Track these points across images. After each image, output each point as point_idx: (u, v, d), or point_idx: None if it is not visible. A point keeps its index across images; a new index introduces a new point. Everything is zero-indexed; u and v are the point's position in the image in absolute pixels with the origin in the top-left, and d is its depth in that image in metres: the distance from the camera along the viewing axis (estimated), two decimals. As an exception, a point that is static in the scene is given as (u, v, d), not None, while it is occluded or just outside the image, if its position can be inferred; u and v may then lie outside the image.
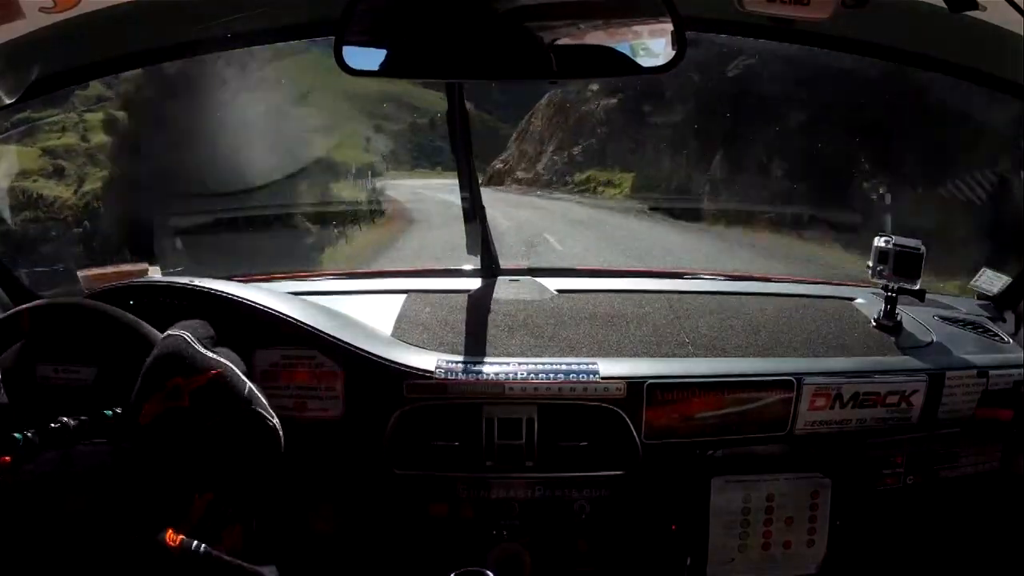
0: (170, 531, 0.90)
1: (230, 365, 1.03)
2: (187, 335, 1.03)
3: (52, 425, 1.03)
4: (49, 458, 1.01)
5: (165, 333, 1.06)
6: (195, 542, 0.90)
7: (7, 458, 0.97)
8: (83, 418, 1.04)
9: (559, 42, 0.99)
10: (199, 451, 0.97)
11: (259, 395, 1.04)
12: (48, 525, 0.97)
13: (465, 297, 1.44)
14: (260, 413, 1.02)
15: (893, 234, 1.37)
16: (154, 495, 0.94)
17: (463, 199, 1.51)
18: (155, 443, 0.97)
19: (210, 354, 1.02)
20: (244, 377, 1.03)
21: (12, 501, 0.95)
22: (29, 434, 0.98)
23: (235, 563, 0.92)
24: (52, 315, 1.14)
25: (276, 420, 1.04)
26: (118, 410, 1.04)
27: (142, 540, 0.90)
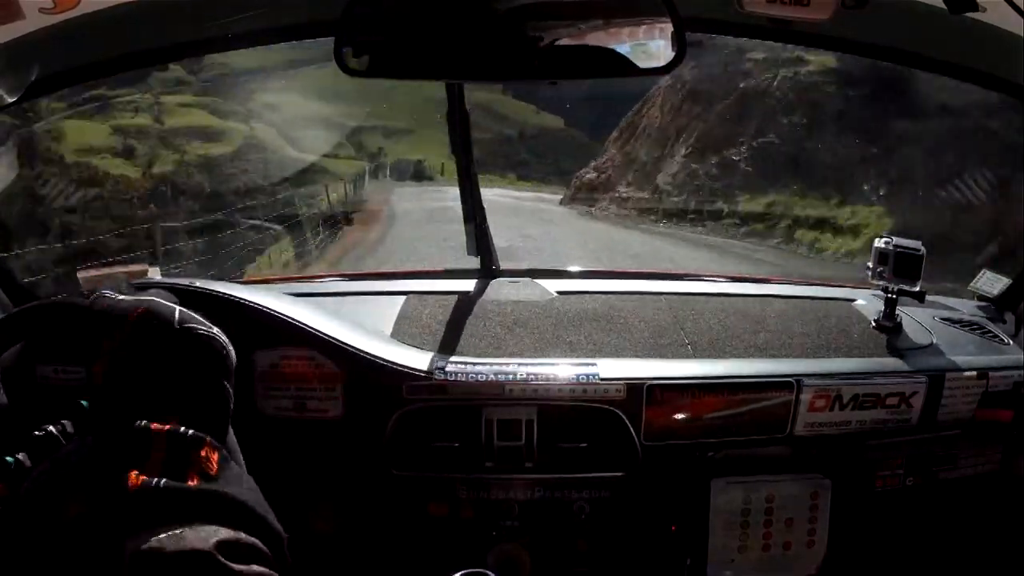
0: (132, 473, 0.90)
1: (150, 299, 1.03)
2: (107, 292, 1.04)
3: (36, 433, 1.03)
4: (42, 469, 1.02)
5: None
6: (155, 479, 0.89)
7: (1, 485, 0.98)
8: (64, 422, 1.04)
9: (558, 42, 0.99)
10: (144, 388, 0.96)
11: (192, 314, 1.04)
12: (53, 535, 0.97)
13: (465, 298, 1.44)
14: (191, 328, 1.02)
15: (893, 235, 1.37)
16: (111, 444, 0.94)
17: (463, 199, 1.51)
18: (107, 400, 0.97)
19: (128, 298, 1.02)
20: (171, 304, 1.03)
21: (13, 519, 0.95)
22: (20, 456, 0.98)
23: (195, 489, 0.89)
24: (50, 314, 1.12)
25: (215, 330, 1.03)
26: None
27: (107, 488, 0.90)
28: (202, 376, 1.01)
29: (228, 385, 1.02)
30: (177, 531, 0.86)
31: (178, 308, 1.01)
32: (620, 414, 1.19)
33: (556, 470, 1.20)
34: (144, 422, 0.93)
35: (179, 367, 0.99)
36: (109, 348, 0.99)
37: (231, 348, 1.03)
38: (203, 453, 0.94)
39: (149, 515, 0.89)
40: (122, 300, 1.01)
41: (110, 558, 0.89)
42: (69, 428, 1.05)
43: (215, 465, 0.94)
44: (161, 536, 0.85)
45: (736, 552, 1.25)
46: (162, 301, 1.02)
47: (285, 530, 1.24)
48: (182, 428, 0.93)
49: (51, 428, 1.05)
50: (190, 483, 0.90)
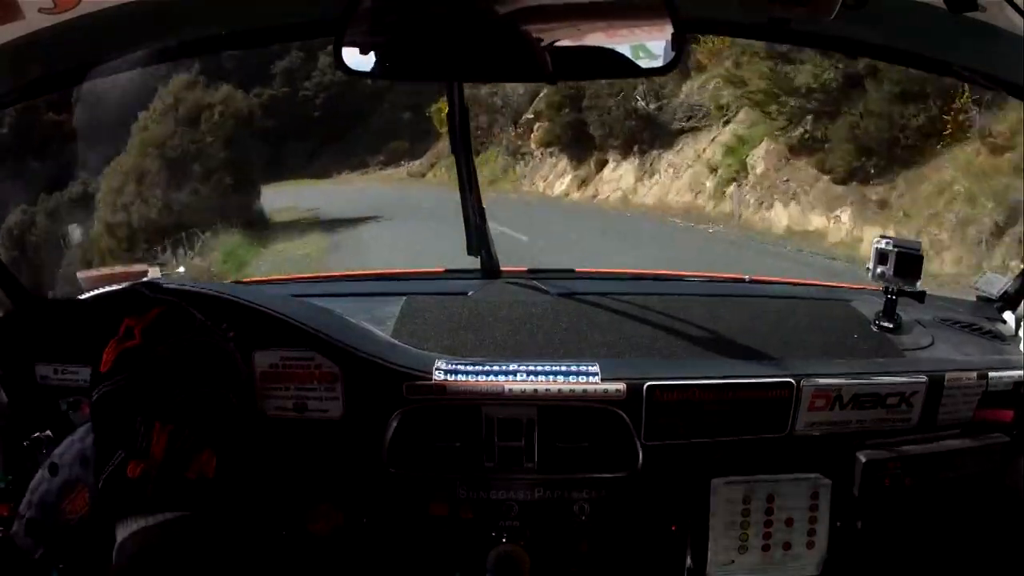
0: (131, 464, 0.91)
1: (178, 300, 1.04)
2: (139, 286, 1.06)
3: (25, 443, 1.05)
4: (39, 478, 1.03)
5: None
6: (154, 470, 0.91)
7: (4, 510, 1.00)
8: (48, 433, 1.06)
9: (558, 43, 0.99)
10: (154, 384, 0.97)
11: (212, 326, 1.05)
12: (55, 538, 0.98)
13: (465, 299, 1.44)
14: (209, 337, 1.03)
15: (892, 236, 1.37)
16: (114, 433, 0.95)
17: (463, 200, 1.51)
18: (114, 386, 0.98)
19: (160, 295, 1.03)
20: (194, 311, 1.05)
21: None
22: (10, 477, 1.01)
23: (191, 479, 0.94)
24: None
25: (231, 343, 1.05)
26: (74, 397, 1.06)
27: (106, 478, 0.92)
28: (214, 386, 1.02)
29: (234, 396, 1.03)
30: (169, 516, 0.89)
31: (197, 315, 1.04)
32: (620, 414, 1.19)
33: (556, 470, 1.20)
34: (145, 419, 0.95)
35: (193, 372, 1.01)
36: (122, 336, 1.00)
37: (239, 357, 1.05)
38: (203, 457, 0.96)
39: (143, 503, 0.92)
40: (151, 293, 1.06)
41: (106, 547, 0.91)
42: (56, 432, 1.07)
43: (213, 469, 0.96)
44: (150, 522, 0.88)
45: (736, 552, 1.24)
46: (186, 305, 1.05)
47: (285, 530, 1.25)
48: (186, 431, 0.95)
49: (39, 435, 1.07)
50: (190, 475, 0.93)
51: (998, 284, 1.56)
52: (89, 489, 1.02)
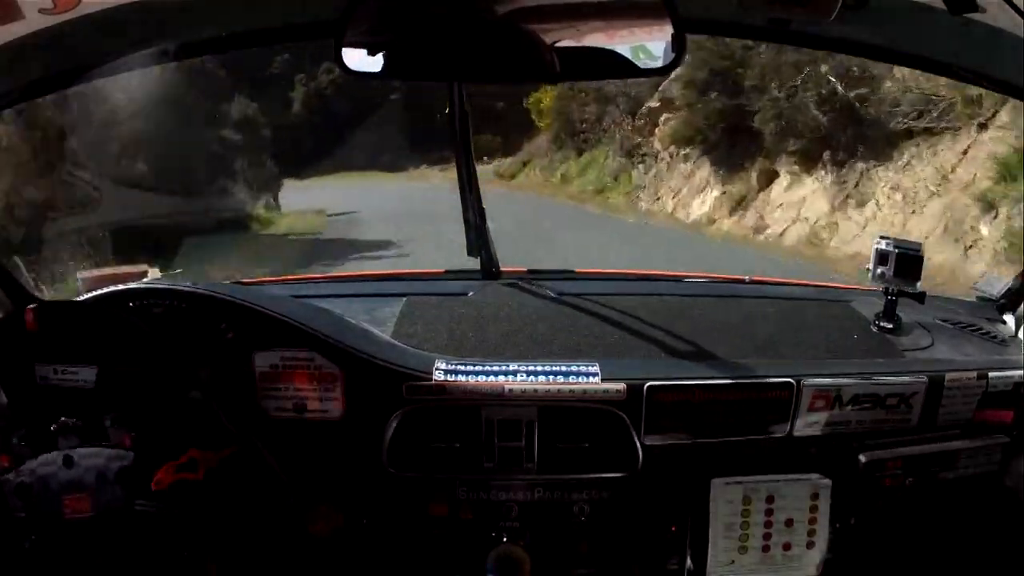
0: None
1: (251, 440, 1.05)
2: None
3: (52, 428, 1.05)
4: (51, 459, 1.02)
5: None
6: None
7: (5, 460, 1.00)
8: (75, 420, 1.06)
9: (558, 44, 0.99)
10: (209, 524, 0.98)
11: (276, 466, 1.07)
12: (47, 528, 0.97)
13: (465, 299, 1.44)
14: (275, 480, 1.03)
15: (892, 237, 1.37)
16: (167, 559, 0.96)
17: (463, 200, 1.51)
18: (162, 508, 0.99)
19: (232, 426, 1.05)
20: (265, 451, 1.08)
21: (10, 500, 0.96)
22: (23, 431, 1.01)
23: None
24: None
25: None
26: (115, 413, 1.06)
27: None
28: (268, 539, 1.10)
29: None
30: None
31: (267, 459, 1.11)
32: (620, 415, 1.19)
33: (556, 471, 1.20)
34: (196, 552, 1.02)
35: (249, 524, 1.08)
36: (184, 464, 1.05)
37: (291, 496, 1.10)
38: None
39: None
40: (224, 423, 1.11)
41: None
42: (79, 425, 1.08)
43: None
44: None
45: (736, 553, 1.24)
46: (256, 445, 1.12)
47: (285, 530, 1.25)
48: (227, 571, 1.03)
49: (68, 421, 1.07)
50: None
51: (998, 285, 1.56)
52: (93, 500, 1.02)
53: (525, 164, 20.39)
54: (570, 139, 17.91)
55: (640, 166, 15.09)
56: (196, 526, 1.00)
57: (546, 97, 17.87)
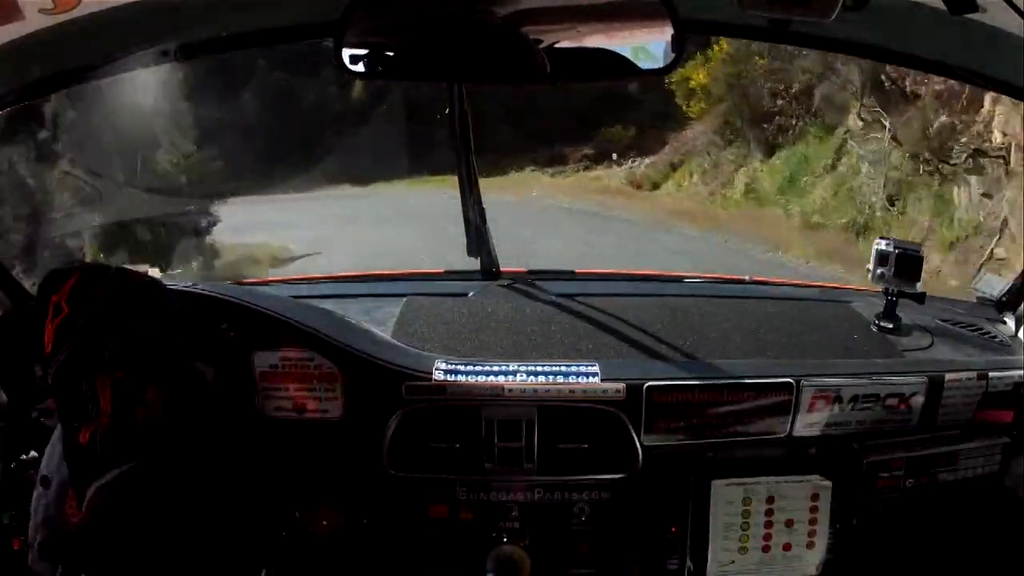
0: (82, 431, 0.95)
1: (90, 262, 1.08)
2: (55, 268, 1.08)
3: (12, 466, 1.06)
4: (38, 496, 1.05)
5: None
6: (103, 428, 0.95)
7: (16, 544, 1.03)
8: (33, 453, 1.07)
9: (557, 44, 0.99)
10: (90, 345, 0.99)
11: (129, 267, 1.07)
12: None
13: (465, 299, 1.44)
14: (128, 275, 1.05)
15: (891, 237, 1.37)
16: (70, 406, 0.98)
17: (463, 200, 1.51)
18: (59, 361, 1.00)
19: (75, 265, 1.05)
20: (107, 265, 1.08)
21: None
22: (13, 512, 1.03)
23: (139, 424, 0.97)
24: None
25: (152, 274, 1.07)
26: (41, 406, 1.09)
27: (64, 450, 0.97)
28: (145, 323, 1.03)
29: (167, 327, 1.04)
30: (124, 468, 0.93)
31: (112, 265, 1.06)
32: (620, 415, 1.19)
33: (556, 471, 1.20)
34: (89, 380, 0.97)
35: (123, 315, 1.02)
36: (53, 312, 1.03)
37: (166, 288, 1.06)
38: (149, 396, 0.98)
39: (100, 462, 0.94)
40: (64, 266, 1.06)
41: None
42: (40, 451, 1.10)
43: (160, 406, 0.98)
44: (113, 473, 0.93)
45: (736, 553, 1.24)
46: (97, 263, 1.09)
47: (285, 531, 1.25)
48: (126, 376, 0.98)
49: (25, 456, 1.11)
50: (136, 420, 0.96)
51: (998, 285, 1.56)
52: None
53: (675, 167, 12.47)
54: (751, 128, 10.76)
55: (961, 186, 7.39)
56: (153, 469, 1.00)
57: (698, 73, 11.12)
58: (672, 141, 12.95)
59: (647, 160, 13.01)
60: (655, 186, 12.35)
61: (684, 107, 12.16)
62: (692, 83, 11.48)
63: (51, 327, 1.01)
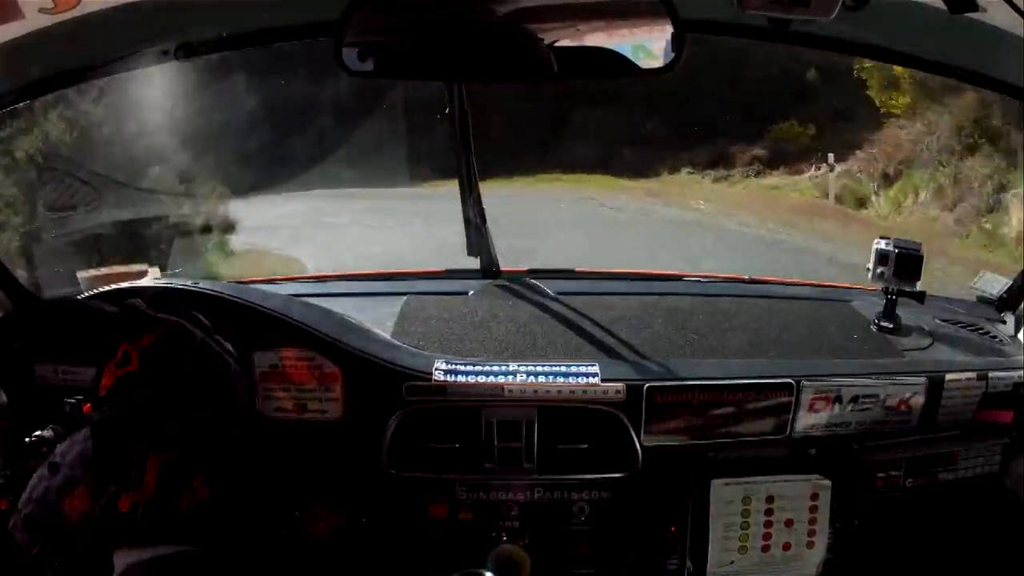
0: (123, 497, 0.93)
1: (178, 320, 1.04)
2: (137, 301, 1.05)
3: (27, 440, 1.04)
4: (39, 475, 1.03)
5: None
6: (144, 502, 0.93)
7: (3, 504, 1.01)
8: (54, 426, 1.05)
9: (557, 43, 0.99)
10: (151, 413, 0.98)
11: (213, 342, 1.04)
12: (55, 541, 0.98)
13: (465, 299, 1.44)
14: (213, 356, 1.03)
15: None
16: (111, 462, 0.96)
17: (463, 199, 1.51)
18: (112, 412, 0.98)
19: (157, 314, 1.03)
20: (195, 328, 1.04)
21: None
22: (8, 472, 1.01)
23: (183, 511, 0.96)
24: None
25: (234, 363, 1.04)
26: (79, 397, 1.05)
27: (101, 510, 0.93)
28: (215, 409, 1.02)
29: (231, 422, 1.04)
30: (163, 550, 0.89)
31: (199, 333, 1.04)
32: (620, 415, 1.19)
33: (556, 471, 1.20)
34: (140, 449, 0.96)
35: (192, 397, 1.00)
36: (120, 360, 1.00)
37: (241, 374, 1.03)
38: (196, 484, 0.97)
39: (136, 535, 0.92)
40: (146, 313, 1.04)
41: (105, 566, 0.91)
42: (59, 431, 1.07)
43: (207, 496, 0.96)
44: (144, 556, 0.89)
45: (736, 553, 1.24)
46: (185, 324, 1.04)
47: (284, 531, 1.25)
48: (182, 459, 0.96)
49: (42, 433, 1.06)
50: (182, 505, 0.93)
51: (998, 285, 1.56)
52: (90, 490, 1.02)
53: (889, 180, 8.70)
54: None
55: None
56: (192, 556, 1.00)
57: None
58: (870, 144, 9.27)
59: (839, 167, 9.30)
60: (860, 203, 8.83)
61: (881, 100, 8.78)
62: (896, 70, 7.63)
63: (112, 373, 1.00)
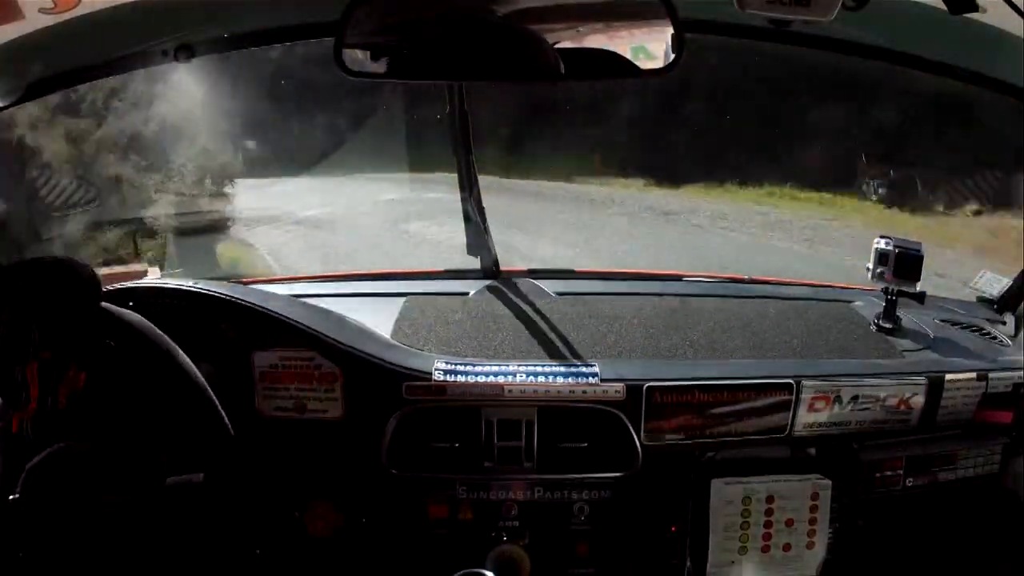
0: (14, 419, 0.97)
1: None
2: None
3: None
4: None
5: None
6: (28, 418, 0.97)
7: None
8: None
9: (557, 44, 0.99)
10: (14, 329, 1.00)
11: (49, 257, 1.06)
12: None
13: (465, 299, 1.44)
14: (42, 264, 1.04)
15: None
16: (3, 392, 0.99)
17: (463, 200, 1.51)
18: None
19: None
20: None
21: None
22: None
23: (63, 407, 0.98)
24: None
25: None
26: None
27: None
28: (68, 303, 1.03)
29: (92, 305, 1.04)
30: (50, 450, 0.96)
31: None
32: (620, 415, 1.19)
33: (556, 471, 1.20)
34: (20, 366, 0.99)
35: (47, 300, 1.02)
36: None
37: (91, 269, 1.05)
38: (70, 374, 1.00)
39: (30, 446, 0.97)
40: None
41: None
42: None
43: (82, 383, 0.99)
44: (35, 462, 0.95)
45: (736, 553, 1.24)
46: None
47: (284, 530, 1.25)
48: (50, 357, 0.99)
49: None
50: (61, 401, 0.98)
51: (998, 285, 1.56)
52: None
53: None
54: None
55: None
56: (78, 449, 1.00)
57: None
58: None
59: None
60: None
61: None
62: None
63: None
